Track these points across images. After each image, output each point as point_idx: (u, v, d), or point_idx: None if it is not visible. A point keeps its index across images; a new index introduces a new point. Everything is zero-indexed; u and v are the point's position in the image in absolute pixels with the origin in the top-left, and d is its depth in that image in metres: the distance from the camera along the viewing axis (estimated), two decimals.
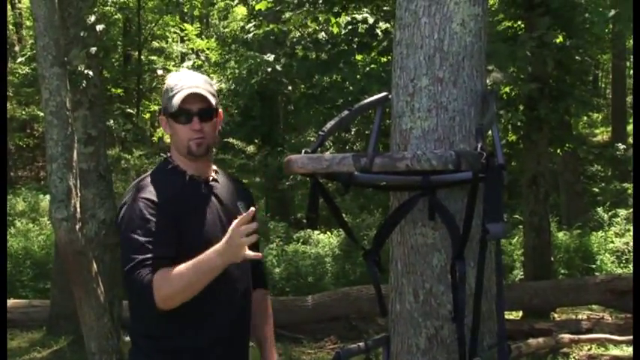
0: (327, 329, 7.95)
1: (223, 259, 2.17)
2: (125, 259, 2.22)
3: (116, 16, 17.29)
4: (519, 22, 8.97)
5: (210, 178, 2.42)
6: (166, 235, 2.24)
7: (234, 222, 2.16)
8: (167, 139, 2.76)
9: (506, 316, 2.34)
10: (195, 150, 2.35)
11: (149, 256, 2.19)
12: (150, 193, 2.27)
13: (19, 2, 20.08)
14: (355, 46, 8.28)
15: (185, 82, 2.35)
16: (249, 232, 2.15)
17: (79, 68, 6.58)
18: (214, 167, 2.47)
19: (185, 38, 18.92)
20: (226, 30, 19.48)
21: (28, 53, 14.95)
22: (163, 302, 2.17)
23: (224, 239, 2.17)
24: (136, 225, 2.23)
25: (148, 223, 2.22)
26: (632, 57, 19.31)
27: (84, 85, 6.64)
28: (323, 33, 9.00)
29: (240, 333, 2.44)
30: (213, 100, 2.35)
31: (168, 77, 2.44)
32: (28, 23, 16.07)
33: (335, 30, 8.49)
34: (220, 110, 2.45)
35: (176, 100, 2.30)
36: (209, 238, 2.26)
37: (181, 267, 2.18)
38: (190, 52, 19.05)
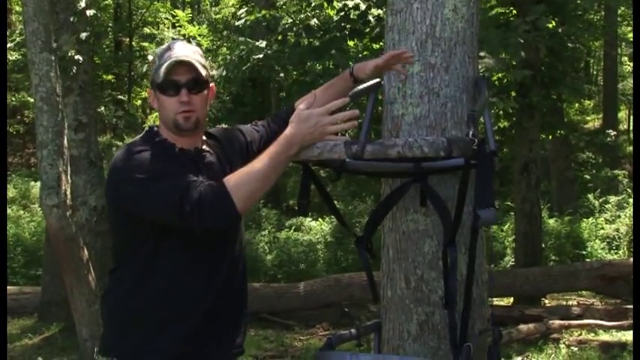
0: (319, 316, 7.97)
1: (297, 140, 2.02)
2: (166, 193, 1.98)
3: (107, 2, 17.17)
4: (511, 9, 8.96)
5: (201, 147, 2.26)
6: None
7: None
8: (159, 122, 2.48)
9: (497, 302, 2.35)
10: (183, 124, 2.17)
11: (193, 178, 2.00)
12: (147, 148, 2.12)
13: None
14: (347, 33, 8.24)
15: (173, 51, 2.20)
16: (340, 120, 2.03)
17: (69, 54, 6.53)
18: (204, 137, 2.30)
19: (176, 24, 18.80)
20: (218, 16, 19.37)
21: (18, 39, 14.82)
22: (244, 202, 1.98)
23: (293, 122, 2.03)
24: (153, 167, 2.04)
25: (164, 164, 2.07)
26: (623, 44, 19.34)
27: (74, 71, 6.60)
28: (315, 19, 8.95)
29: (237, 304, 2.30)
30: (202, 71, 2.20)
31: (158, 48, 2.28)
32: (17, 8, 15.91)
33: (331, 12, 8.43)
34: (212, 84, 2.29)
35: (163, 70, 2.15)
36: None
37: (250, 164, 2.03)
38: (182, 38, 18.93)
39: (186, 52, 2.20)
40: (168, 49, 2.21)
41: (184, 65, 2.16)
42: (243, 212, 2.01)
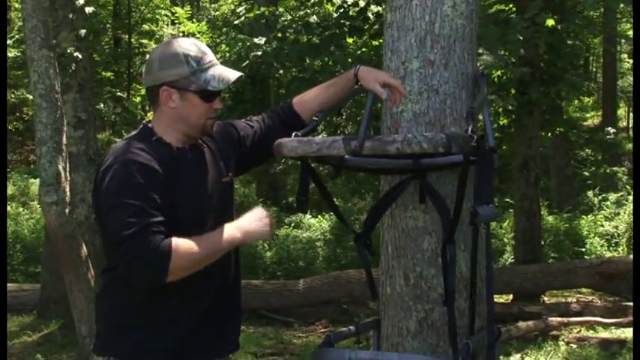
0: (318, 313, 7.97)
1: (248, 236, 2.16)
2: (120, 224, 1.99)
3: None
4: (510, 6, 8.95)
5: (196, 144, 2.27)
6: (162, 202, 2.07)
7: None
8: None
9: (496, 300, 2.35)
10: (210, 128, 2.26)
11: (154, 220, 2.00)
12: (139, 157, 2.10)
13: None
14: (346, 30, 8.24)
15: (210, 56, 2.24)
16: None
17: (68, 51, 6.53)
18: None
19: (176, 21, 18.78)
20: (217, 13, 19.36)
21: (17, 35, 14.79)
22: (176, 272, 2.00)
23: (250, 217, 2.17)
24: (130, 189, 2.03)
25: (143, 188, 2.04)
26: (622, 41, 19.33)
27: (73, 68, 6.60)
28: (314, 16, 8.96)
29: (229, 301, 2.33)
30: None
31: (175, 44, 2.24)
32: (16, 5, 15.90)
33: (330, 9, 8.41)
34: None
35: (219, 82, 2.19)
36: (199, 207, 2.16)
37: (198, 239, 2.05)
38: (181, 35, 18.90)
39: (214, 57, 2.27)
40: (202, 51, 2.23)
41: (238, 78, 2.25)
42: (173, 278, 2.02)
